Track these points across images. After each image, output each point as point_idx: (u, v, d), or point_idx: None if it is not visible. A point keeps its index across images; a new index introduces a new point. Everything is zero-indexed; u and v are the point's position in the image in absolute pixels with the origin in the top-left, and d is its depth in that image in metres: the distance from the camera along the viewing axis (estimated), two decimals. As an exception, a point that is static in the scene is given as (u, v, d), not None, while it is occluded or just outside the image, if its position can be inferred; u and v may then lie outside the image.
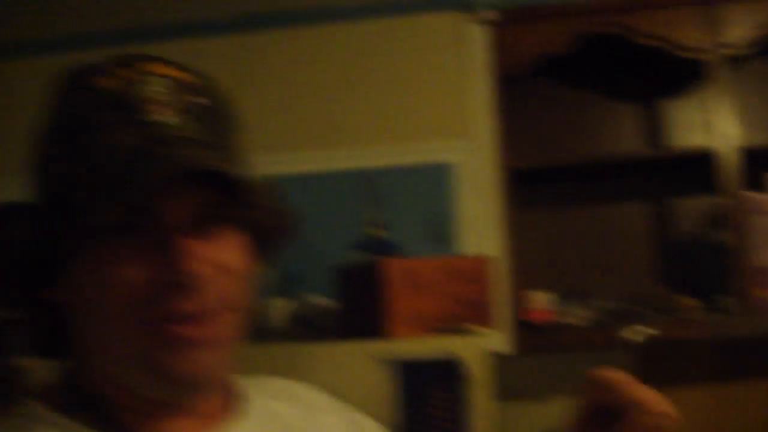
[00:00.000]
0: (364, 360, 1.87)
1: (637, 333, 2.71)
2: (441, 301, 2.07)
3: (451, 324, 1.98)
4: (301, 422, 0.94)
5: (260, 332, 2.28)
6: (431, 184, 2.82)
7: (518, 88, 3.02)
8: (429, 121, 2.87)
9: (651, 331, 2.70)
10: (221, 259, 0.77)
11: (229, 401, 0.88)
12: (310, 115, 2.88)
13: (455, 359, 1.83)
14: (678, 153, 2.94)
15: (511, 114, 2.96)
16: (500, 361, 2.87)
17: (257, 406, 0.91)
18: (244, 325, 0.82)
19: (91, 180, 0.73)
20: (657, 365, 2.98)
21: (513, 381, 3.01)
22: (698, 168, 2.75)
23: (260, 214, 0.83)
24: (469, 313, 2.09)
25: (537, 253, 3.09)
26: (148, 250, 0.74)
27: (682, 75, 2.95)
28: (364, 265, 2.21)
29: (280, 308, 2.42)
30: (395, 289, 2.02)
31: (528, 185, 3.06)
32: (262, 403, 0.92)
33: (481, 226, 2.79)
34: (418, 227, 2.78)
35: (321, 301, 2.26)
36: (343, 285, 2.23)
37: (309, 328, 2.22)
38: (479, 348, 1.85)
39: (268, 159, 2.69)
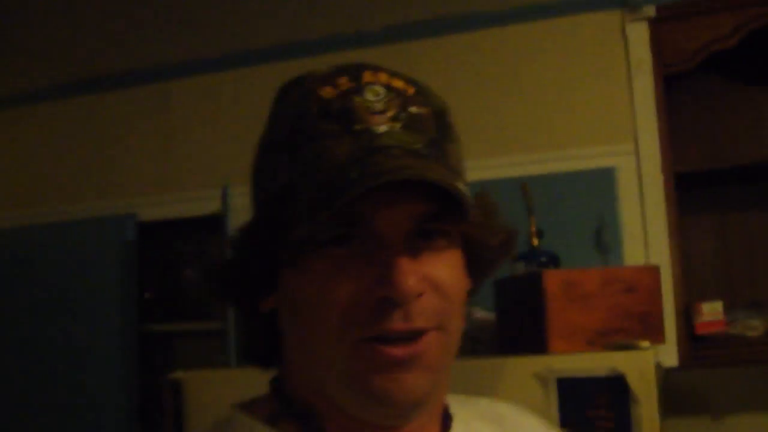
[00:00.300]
0: (523, 376, 1.80)
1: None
2: (604, 314, 1.98)
3: (615, 338, 1.89)
4: None
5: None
6: (595, 190, 2.73)
7: (683, 86, 2.88)
8: (591, 125, 2.79)
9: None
10: (436, 276, 0.75)
11: (437, 422, 0.85)
12: (470, 122, 2.84)
13: (619, 376, 1.73)
14: None
15: (676, 114, 2.83)
16: (667, 374, 2.74)
17: (463, 427, 0.88)
18: (455, 347, 0.79)
19: (307, 190, 0.72)
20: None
21: (682, 395, 2.88)
22: None
23: (477, 229, 0.81)
24: (634, 326, 1.99)
25: (706, 260, 2.94)
26: (362, 264, 0.73)
27: None
28: (524, 277, 2.15)
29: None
30: (554, 301, 1.95)
31: (696, 189, 2.92)
32: (469, 424, 0.89)
33: (646, 233, 2.67)
34: (582, 235, 2.69)
35: (482, 314, 2.20)
36: (503, 298, 2.17)
37: (470, 342, 2.18)
38: (644, 363, 1.75)
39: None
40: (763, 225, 2.91)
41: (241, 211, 2.86)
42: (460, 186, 0.72)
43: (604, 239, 2.65)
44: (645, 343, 1.77)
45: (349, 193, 0.68)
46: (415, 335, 0.73)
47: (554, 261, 2.41)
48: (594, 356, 1.81)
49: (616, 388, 1.74)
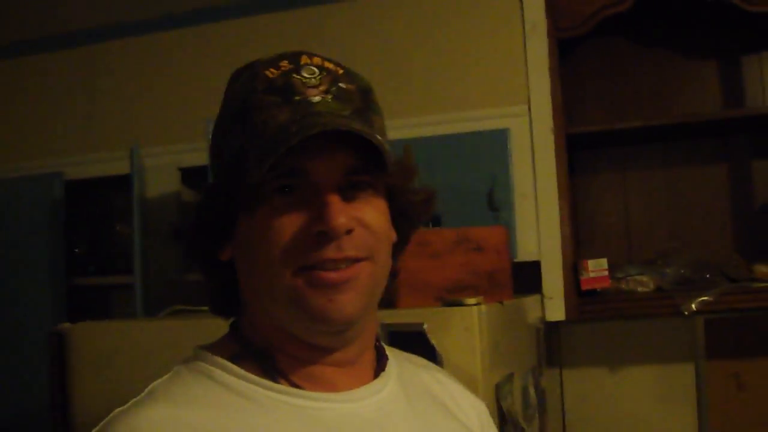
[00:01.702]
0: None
1: (702, 302, 2.62)
2: (454, 272, 2.08)
3: (463, 294, 1.99)
4: (438, 390, 1.10)
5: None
6: (489, 151, 2.80)
7: (581, 49, 2.94)
8: (486, 87, 2.85)
9: (717, 299, 2.61)
10: (364, 217, 0.90)
11: (372, 354, 1.02)
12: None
13: (422, 331, 1.85)
14: (756, 113, 2.76)
15: (572, 77, 2.90)
16: (556, 328, 2.86)
17: (399, 367, 1.06)
18: (383, 280, 0.96)
19: (255, 149, 0.87)
20: (722, 336, 2.88)
21: (579, 349, 2.99)
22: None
23: (399, 184, 0.98)
24: (483, 283, 2.10)
25: (602, 219, 3.03)
26: (301, 208, 0.88)
27: (760, 31, 2.78)
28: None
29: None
30: (406, 259, 2.05)
31: (594, 149, 3.00)
32: (404, 365, 1.08)
33: (537, 192, 2.75)
34: (476, 195, 2.78)
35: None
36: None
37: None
38: (468, 318, 1.86)
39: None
40: (661, 184, 2.99)
41: (149, 170, 2.97)
42: (379, 138, 0.87)
43: (496, 199, 2.74)
44: (471, 300, 1.87)
45: (287, 143, 0.83)
46: (347, 263, 0.89)
47: (435, 220, 2.51)
48: (424, 312, 1.92)
49: (425, 342, 1.85)
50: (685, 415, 2.87)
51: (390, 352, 1.08)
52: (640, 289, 2.75)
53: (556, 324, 2.78)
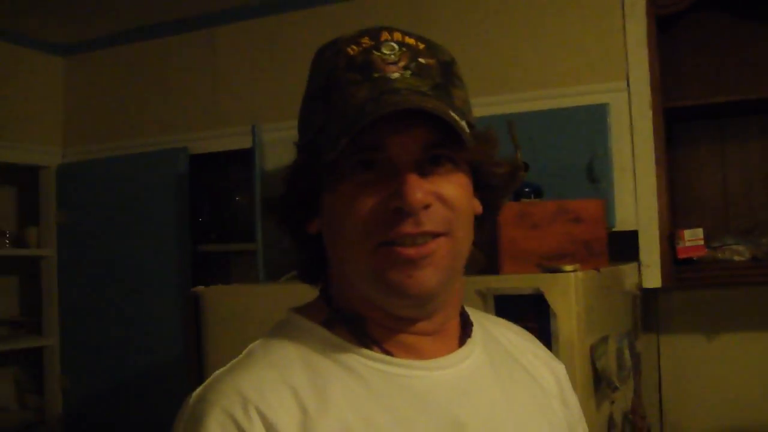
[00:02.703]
0: (469, 292, 2.09)
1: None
2: (553, 241, 2.24)
3: (562, 262, 2.15)
4: (517, 352, 1.10)
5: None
6: (588, 125, 2.91)
7: (681, 25, 3.01)
8: (586, 63, 2.96)
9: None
10: (442, 192, 0.90)
11: (457, 322, 1.03)
12: (471, 61, 3.06)
13: (539, 294, 2.01)
14: None
15: (671, 52, 2.97)
16: (653, 295, 2.97)
17: (483, 332, 1.07)
18: (463, 254, 0.95)
19: (333, 127, 0.88)
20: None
21: (677, 315, 3.09)
22: None
23: (480, 157, 0.97)
24: (580, 252, 2.24)
25: (700, 190, 3.11)
26: (380, 184, 0.89)
27: None
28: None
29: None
30: (507, 229, 2.21)
31: (693, 122, 3.08)
32: (484, 326, 1.09)
33: (635, 165, 2.86)
34: (576, 168, 2.90)
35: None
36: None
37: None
38: (565, 284, 2.01)
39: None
40: (758, 155, 3.05)
41: (268, 145, 3.20)
42: (454, 114, 0.88)
43: (596, 172, 2.86)
44: (569, 267, 2.03)
45: (362, 122, 0.85)
46: (425, 239, 0.89)
47: (537, 192, 2.65)
48: (527, 277, 2.08)
49: (539, 304, 2.01)
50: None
51: (473, 315, 1.08)
52: (736, 258, 2.84)
53: (654, 291, 2.90)
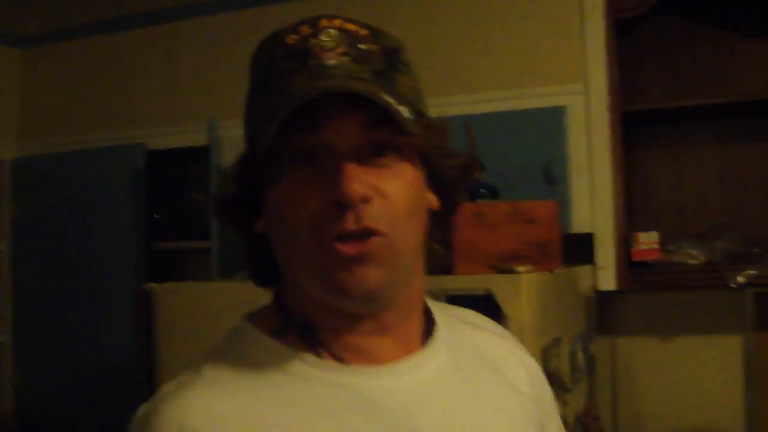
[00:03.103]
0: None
1: (750, 275, 2.73)
2: (507, 242, 2.24)
3: (515, 263, 2.15)
4: (487, 349, 1.04)
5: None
6: (546, 127, 2.93)
7: (640, 29, 3.03)
8: (544, 66, 2.97)
9: (764, 273, 2.71)
10: (383, 186, 0.85)
11: (419, 323, 0.97)
12: (428, 62, 3.05)
13: (489, 294, 2.01)
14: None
15: (630, 56, 2.99)
16: (609, 298, 2.99)
17: (448, 328, 1.00)
18: (409, 252, 0.88)
19: (267, 116, 0.83)
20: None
21: (630, 318, 3.11)
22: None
23: (429, 147, 0.91)
24: (533, 253, 2.24)
25: (656, 193, 3.13)
26: (321, 178, 0.84)
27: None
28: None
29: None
30: (462, 229, 2.21)
31: (651, 126, 3.10)
32: (449, 325, 1.02)
33: (592, 167, 2.88)
34: (533, 170, 2.91)
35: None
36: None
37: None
38: (517, 285, 2.01)
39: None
40: (714, 160, 3.08)
41: (226, 142, 3.17)
42: (389, 98, 0.81)
43: (552, 174, 2.87)
44: (521, 268, 2.03)
45: (290, 106, 0.80)
46: (367, 235, 0.83)
47: (493, 193, 2.65)
48: (479, 278, 2.08)
49: (489, 305, 2.01)
50: (732, 386, 2.97)
51: (439, 310, 1.03)
52: (690, 261, 2.86)
53: (609, 293, 2.91)
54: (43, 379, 3.72)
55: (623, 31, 3.00)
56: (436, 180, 0.94)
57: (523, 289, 2.02)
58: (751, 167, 3.06)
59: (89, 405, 3.52)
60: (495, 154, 2.77)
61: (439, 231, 0.97)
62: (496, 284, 2.04)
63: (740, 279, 2.72)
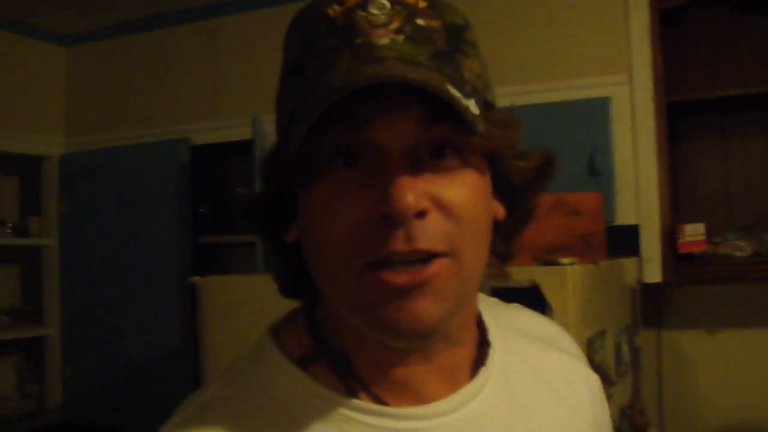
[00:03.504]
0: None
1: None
2: (551, 234, 2.23)
3: (560, 255, 2.14)
4: (547, 368, 0.90)
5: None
6: (590, 118, 2.90)
7: (685, 18, 3.00)
8: (588, 57, 2.95)
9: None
10: (443, 196, 0.69)
11: (471, 349, 0.82)
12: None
13: (535, 286, 1.99)
14: None
15: (675, 46, 2.96)
16: (655, 290, 2.96)
17: (504, 346, 0.86)
18: (474, 277, 0.73)
19: (302, 108, 0.68)
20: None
21: (678, 310, 3.08)
22: None
23: (498, 147, 0.76)
24: (578, 245, 2.23)
25: (702, 185, 3.09)
26: (366, 184, 0.67)
27: None
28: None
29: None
30: (506, 221, 2.20)
31: (696, 117, 3.06)
32: (512, 341, 0.88)
33: (636, 158, 2.85)
34: (577, 161, 2.89)
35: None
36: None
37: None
38: (563, 277, 2.00)
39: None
40: (761, 151, 3.04)
41: (269, 136, 3.19)
42: (453, 90, 0.66)
43: (597, 165, 2.84)
44: (566, 260, 2.02)
45: (329, 99, 0.64)
46: (420, 259, 0.67)
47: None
48: (524, 270, 2.07)
49: (535, 296, 2.00)
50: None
51: (495, 321, 0.88)
52: (737, 253, 2.82)
53: (654, 286, 2.88)
54: (91, 371, 3.78)
55: (668, 21, 2.97)
56: (504, 185, 0.79)
57: (568, 280, 2.01)
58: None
59: (135, 397, 3.58)
60: (539, 145, 2.75)
61: (503, 245, 0.82)
62: (541, 276, 2.03)
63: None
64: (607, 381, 2.16)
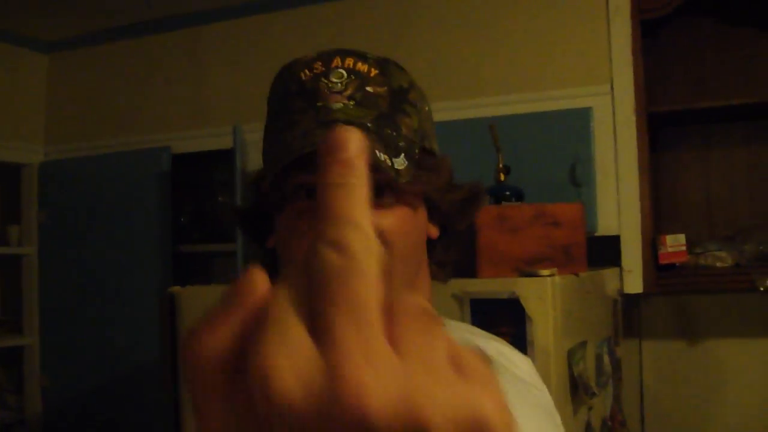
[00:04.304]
0: (444, 296, 2.07)
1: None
2: (531, 245, 2.22)
3: (540, 266, 2.13)
4: (511, 365, 1.03)
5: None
6: (571, 128, 2.90)
7: (666, 29, 3.01)
8: (570, 67, 2.95)
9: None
10: (379, 224, 0.86)
11: None
12: (453, 65, 3.06)
13: (515, 298, 1.99)
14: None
15: (651, 57, 2.96)
16: (636, 301, 2.96)
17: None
18: (408, 286, 0.91)
19: (271, 157, 0.90)
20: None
21: (658, 321, 3.08)
22: None
23: (425, 188, 0.94)
24: (558, 256, 2.23)
25: (684, 196, 3.10)
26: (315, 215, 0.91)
27: None
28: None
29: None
30: (485, 232, 2.20)
31: (678, 127, 3.07)
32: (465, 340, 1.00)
33: (618, 169, 2.85)
34: (559, 171, 2.89)
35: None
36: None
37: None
38: (543, 288, 2.00)
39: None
40: (742, 162, 3.04)
41: (251, 145, 3.18)
42: (381, 155, 0.84)
43: (578, 176, 2.84)
44: (546, 272, 2.01)
45: (286, 159, 0.84)
46: None
47: (518, 195, 2.63)
48: (504, 281, 2.06)
49: (514, 308, 2.00)
50: (762, 390, 2.94)
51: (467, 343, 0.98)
52: (718, 264, 2.83)
53: (636, 297, 2.89)
54: (70, 382, 3.74)
55: (650, 32, 2.97)
56: (436, 213, 0.98)
57: (548, 292, 2.01)
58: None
59: (115, 408, 3.54)
60: (521, 156, 2.76)
61: (441, 255, 1.01)
62: (521, 287, 2.02)
63: (764, 283, 2.68)
64: (587, 392, 2.16)
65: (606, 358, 2.44)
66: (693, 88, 3.04)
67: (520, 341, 1.98)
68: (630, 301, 2.94)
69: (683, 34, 3.08)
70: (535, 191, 2.67)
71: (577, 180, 2.85)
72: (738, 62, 3.03)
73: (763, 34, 3.00)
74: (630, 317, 3.00)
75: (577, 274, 2.21)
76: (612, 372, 2.53)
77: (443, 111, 2.72)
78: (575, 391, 2.13)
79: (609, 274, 2.70)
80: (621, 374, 2.74)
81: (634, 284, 2.81)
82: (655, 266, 2.81)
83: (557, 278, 2.06)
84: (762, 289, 2.68)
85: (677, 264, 2.80)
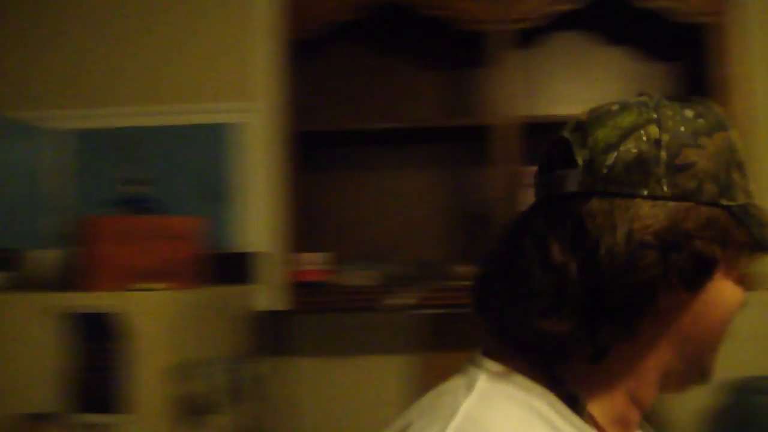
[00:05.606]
0: (35, 311, 1.94)
1: (405, 297, 2.81)
2: (150, 258, 2.15)
3: (158, 279, 2.06)
4: None
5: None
6: (207, 144, 2.88)
7: (313, 52, 3.07)
8: (214, 82, 2.93)
9: (417, 297, 2.80)
10: None
11: None
12: (89, 72, 2.93)
13: (111, 314, 1.91)
14: (464, 123, 2.97)
15: (301, 78, 3.01)
16: (271, 317, 2.98)
17: None
18: None
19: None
20: (426, 330, 3.08)
21: (287, 337, 3.11)
22: (485, 139, 2.81)
23: None
24: (177, 269, 2.17)
25: (324, 215, 3.17)
26: None
27: (474, 47, 3.00)
28: (89, 221, 2.27)
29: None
30: (100, 244, 2.09)
31: (320, 149, 3.13)
32: None
33: (257, 187, 2.86)
34: (193, 186, 2.84)
35: (49, 255, 2.32)
36: (74, 239, 2.29)
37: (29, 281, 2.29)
38: (149, 303, 1.93)
39: (41, 114, 2.77)
40: (389, 184, 3.16)
41: None
42: None
43: (216, 191, 2.82)
44: (156, 286, 1.95)
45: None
46: None
47: (147, 207, 2.56)
48: (110, 296, 1.97)
49: (108, 325, 1.91)
50: (395, 406, 3.05)
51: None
52: (357, 283, 2.90)
53: (276, 313, 2.90)
54: None
55: (307, 52, 3.01)
56: None
57: (157, 307, 1.94)
58: (421, 192, 3.16)
59: None
60: (167, 168, 2.69)
61: None
62: (128, 302, 1.94)
63: (389, 302, 2.79)
64: (203, 410, 2.11)
65: (229, 376, 2.41)
66: (343, 110, 3.12)
67: (127, 357, 1.90)
68: (281, 318, 2.94)
69: (338, 57, 3.16)
70: (180, 205, 2.63)
71: (215, 195, 2.82)
72: (383, 88, 3.15)
73: (409, 63, 3.15)
74: (282, 334, 3.01)
75: (192, 289, 2.17)
76: (249, 389, 2.51)
77: (85, 119, 2.61)
78: (190, 409, 2.07)
79: (238, 291, 2.69)
80: (264, 392, 2.73)
81: (272, 301, 2.82)
82: (295, 284, 2.83)
83: (166, 293, 2.00)
84: (381, 308, 2.78)
85: (318, 282, 2.84)
